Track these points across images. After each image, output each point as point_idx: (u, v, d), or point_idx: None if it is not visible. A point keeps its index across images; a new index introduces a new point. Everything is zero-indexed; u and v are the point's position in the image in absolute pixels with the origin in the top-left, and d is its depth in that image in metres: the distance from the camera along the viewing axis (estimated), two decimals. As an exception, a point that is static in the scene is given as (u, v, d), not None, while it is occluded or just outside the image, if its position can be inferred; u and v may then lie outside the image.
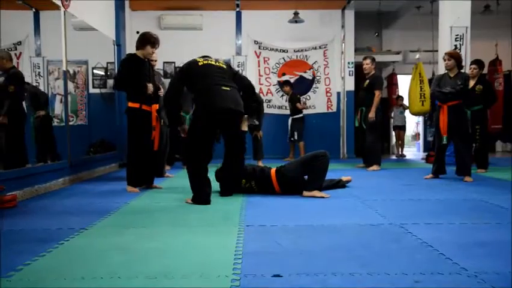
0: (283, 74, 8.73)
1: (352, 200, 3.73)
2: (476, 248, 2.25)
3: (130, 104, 4.25)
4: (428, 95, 6.97)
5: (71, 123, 5.38)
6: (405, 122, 9.57)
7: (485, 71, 7.96)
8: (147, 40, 4.23)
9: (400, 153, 9.41)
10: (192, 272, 1.88)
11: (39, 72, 5.79)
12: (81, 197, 4.06)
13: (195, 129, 3.65)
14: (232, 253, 2.16)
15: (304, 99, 8.57)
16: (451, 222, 2.86)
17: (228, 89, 3.70)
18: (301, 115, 8.09)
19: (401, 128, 9.51)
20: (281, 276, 1.83)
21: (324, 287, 1.72)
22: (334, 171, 6.20)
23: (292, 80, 8.70)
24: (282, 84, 8.34)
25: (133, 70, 4.18)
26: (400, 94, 9.75)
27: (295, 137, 8.03)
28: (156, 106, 4.42)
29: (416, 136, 11.88)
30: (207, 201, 3.59)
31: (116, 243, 2.41)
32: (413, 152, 11.06)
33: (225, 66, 3.90)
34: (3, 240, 2.48)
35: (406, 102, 8.51)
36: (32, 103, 5.05)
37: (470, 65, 5.95)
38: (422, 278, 1.80)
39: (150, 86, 4.26)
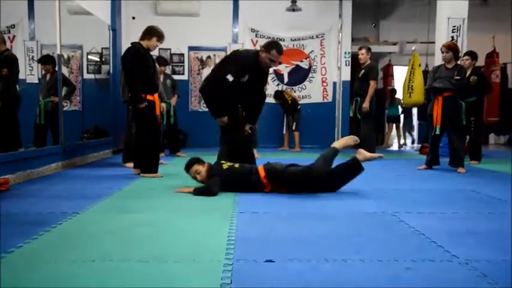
0: (279, 63, 8.66)
1: (346, 189, 3.73)
2: (468, 236, 2.27)
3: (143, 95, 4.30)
4: (417, 86, 6.98)
5: (64, 108, 5.34)
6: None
7: (482, 63, 7.98)
8: (155, 32, 4.39)
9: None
10: (184, 257, 1.88)
11: (32, 56, 5.72)
12: (74, 182, 4.05)
13: None
14: (225, 239, 2.16)
15: (297, 88, 8.60)
16: (443, 211, 2.87)
17: None
18: (299, 107, 8.08)
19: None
20: (273, 261, 1.84)
21: (316, 273, 1.72)
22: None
23: (288, 69, 8.67)
24: (275, 98, 8.20)
25: (139, 63, 4.25)
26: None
27: (294, 128, 8.03)
28: (156, 95, 4.50)
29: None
30: None
31: (109, 227, 2.40)
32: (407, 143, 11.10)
33: None
34: (-5, 223, 2.46)
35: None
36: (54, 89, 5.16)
37: (463, 56, 5.95)
38: (414, 265, 1.81)
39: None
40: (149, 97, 4.33)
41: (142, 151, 4.39)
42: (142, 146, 4.36)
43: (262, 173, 3.44)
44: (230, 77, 3.88)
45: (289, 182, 3.41)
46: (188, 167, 3.60)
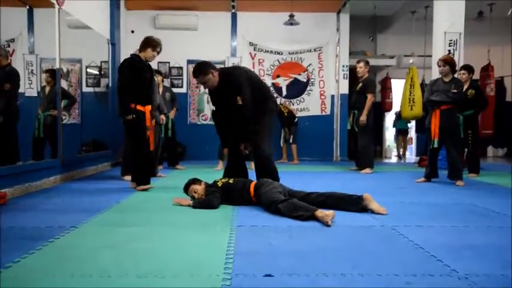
0: (278, 76, 8.74)
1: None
2: (467, 250, 2.26)
3: (133, 106, 4.26)
4: (418, 99, 7.05)
5: (63, 121, 5.34)
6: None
7: (477, 76, 8.04)
8: (150, 42, 4.41)
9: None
10: (183, 272, 1.87)
11: (32, 70, 5.74)
12: (72, 196, 4.03)
13: None
14: (224, 253, 2.15)
15: (295, 101, 8.63)
16: (442, 225, 2.87)
17: None
18: (295, 120, 8.11)
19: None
20: (272, 276, 1.83)
21: (316, 287, 1.71)
22: (327, 174, 6.22)
23: (286, 83, 8.73)
24: None
25: (134, 74, 4.26)
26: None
27: (291, 140, 8.05)
28: (149, 107, 4.46)
29: (409, 140, 11.99)
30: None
31: (107, 241, 2.39)
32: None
33: None
34: (-8, 238, 2.45)
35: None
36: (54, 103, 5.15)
37: (459, 70, 5.99)
38: (414, 280, 1.80)
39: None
40: (139, 107, 4.29)
41: (134, 163, 4.40)
42: (133, 158, 4.38)
43: (252, 190, 3.44)
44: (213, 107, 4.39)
45: (264, 206, 3.28)
46: (186, 188, 3.67)
